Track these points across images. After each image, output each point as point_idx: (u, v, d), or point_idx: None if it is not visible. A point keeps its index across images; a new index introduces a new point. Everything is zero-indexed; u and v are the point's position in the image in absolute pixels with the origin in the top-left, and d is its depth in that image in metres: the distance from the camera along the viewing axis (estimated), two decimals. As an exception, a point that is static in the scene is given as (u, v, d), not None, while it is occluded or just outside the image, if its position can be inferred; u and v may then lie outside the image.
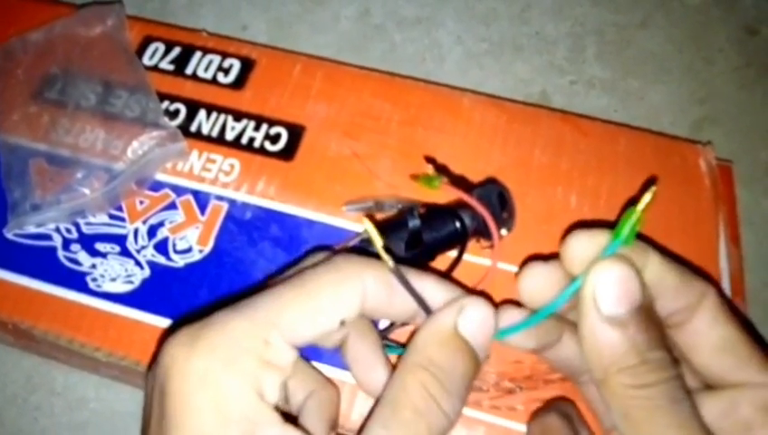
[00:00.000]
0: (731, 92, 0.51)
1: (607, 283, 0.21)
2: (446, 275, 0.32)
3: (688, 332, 0.24)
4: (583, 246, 0.23)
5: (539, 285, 0.24)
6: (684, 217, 0.36)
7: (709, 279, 0.26)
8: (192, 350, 0.20)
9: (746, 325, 0.24)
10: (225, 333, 0.21)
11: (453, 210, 0.32)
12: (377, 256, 0.23)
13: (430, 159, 0.37)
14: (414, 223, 0.31)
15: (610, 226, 0.23)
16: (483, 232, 0.32)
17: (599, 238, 0.23)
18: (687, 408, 0.21)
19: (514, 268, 0.34)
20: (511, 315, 0.24)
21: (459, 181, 0.36)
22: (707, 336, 0.24)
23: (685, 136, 0.43)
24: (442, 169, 0.36)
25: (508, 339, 0.24)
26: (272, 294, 0.22)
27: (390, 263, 0.23)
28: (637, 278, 0.22)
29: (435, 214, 0.32)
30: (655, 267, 0.23)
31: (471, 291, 0.27)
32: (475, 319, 0.23)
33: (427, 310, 0.24)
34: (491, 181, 0.34)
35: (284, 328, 0.21)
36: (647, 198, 0.21)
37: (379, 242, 0.23)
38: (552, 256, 0.24)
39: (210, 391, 0.20)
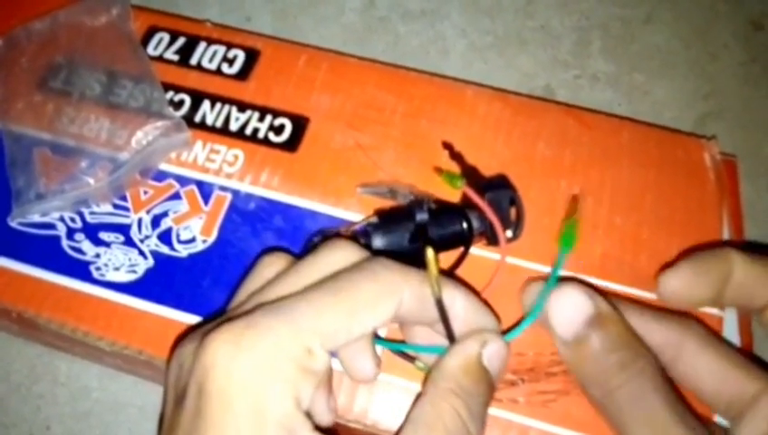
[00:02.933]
0: (736, 88, 0.50)
1: (556, 312, 0.25)
2: (453, 273, 0.33)
3: (684, 366, 0.26)
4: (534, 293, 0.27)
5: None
6: (687, 211, 0.35)
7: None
8: (237, 351, 0.20)
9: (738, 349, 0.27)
10: (269, 338, 0.21)
11: (462, 210, 0.32)
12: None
13: (447, 145, 0.37)
14: (421, 217, 0.32)
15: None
16: (489, 235, 0.33)
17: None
18: (652, 401, 0.23)
19: (517, 261, 0.34)
20: None
21: (472, 173, 0.36)
22: (700, 368, 0.25)
23: (689, 131, 0.43)
24: (458, 157, 0.36)
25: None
26: (311, 300, 0.22)
27: (438, 294, 0.24)
28: (580, 293, 0.25)
29: (444, 211, 0.33)
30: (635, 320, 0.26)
31: (479, 293, 0.27)
32: (495, 352, 0.24)
33: (452, 338, 0.25)
34: (503, 184, 0.34)
35: (325, 337, 0.21)
36: (573, 209, 0.27)
37: (434, 272, 0.23)
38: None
39: (251, 396, 0.20)
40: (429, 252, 0.23)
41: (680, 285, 0.27)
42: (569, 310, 0.24)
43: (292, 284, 0.24)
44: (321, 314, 0.22)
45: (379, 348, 0.27)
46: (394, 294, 0.23)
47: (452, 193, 0.34)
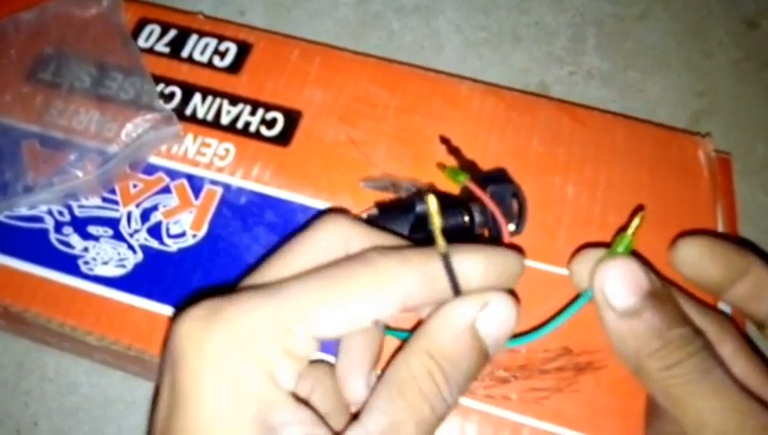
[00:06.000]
0: (729, 86, 0.50)
1: (612, 280, 0.23)
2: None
3: None
4: (586, 261, 0.25)
5: (589, 270, 0.25)
6: (682, 208, 0.35)
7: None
8: (210, 325, 0.20)
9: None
10: (247, 314, 0.20)
11: (464, 203, 0.32)
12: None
13: (445, 140, 0.36)
14: (421, 207, 0.31)
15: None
16: (491, 227, 0.33)
17: (598, 253, 0.25)
18: (719, 374, 0.23)
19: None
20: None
21: (470, 167, 0.35)
22: (736, 370, 0.24)
23: (683, 128, 0.43)
24: (455, 151, 0.36)
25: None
26: (302, 284, 0.21)
27: (445, 248, 0.22)
28: (638, 267, 0.24)
29: (446, 204, 0.32)
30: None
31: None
32: (496, 318, 0.22)
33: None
34: (504, 178, 0.34)
35: (310, 321, 0.20)
36: (636, 222, 0.24)
37: (438, 223, 0.22)
38: (603, 245, 0.27)
39: (225, 372, 0.19)
40: (431, 200, 0.21)
41: (696, 255, 0.27)
42: (625, 281, 0.23)
43: (282, 264, 0.23)
44: (310, 299, 0.21)
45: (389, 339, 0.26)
46: (393, 282, 0.21)
47: (453, 189, 0.34)
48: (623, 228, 0.25)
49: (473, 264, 0.23)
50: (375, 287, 0.21)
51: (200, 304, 0.21)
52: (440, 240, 0.22)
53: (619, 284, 0.23)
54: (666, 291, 0.24)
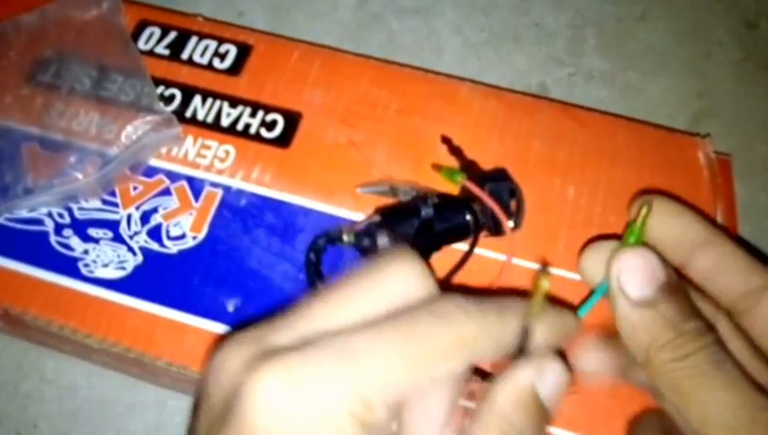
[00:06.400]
0: (730, 87, 0.50)
1: (629, 270, 0.24)
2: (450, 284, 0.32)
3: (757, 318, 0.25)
4: (599, 254, 0.25)
5: (599, 263, 0.25)
6: (682, 209, 0.35)
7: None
8: (289, 392, 0.19)
9: None
10: (326, 382, 0.19)
11: (466, 203, 0.32)
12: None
13: (446, 140, 0.36)
14: (427, 212, 0.32)
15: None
16: (490, 226, 0.33)
17: (611, 246, 0.25)
18: (730, 367, 0.23)
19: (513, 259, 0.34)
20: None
21: (471, 167, 0.36)
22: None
23: (683, 129, 0.43)
24: (457, 151, 0.36)
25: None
26: (376, 340, 0.20)
27: (533, 317, 0.22)
28: (656, 259, 0.24)
29: (447, 204, 0.32)
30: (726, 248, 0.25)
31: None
32: (552, 381, 0.22)
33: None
34: (502, 176, 0.34)
35: (385, 387, 0.19)
36: (644, 212, 0.24)
37: (538, 306, 0.22)
38: (611, 237, 0.27)
39: None
40: (544, 283, 0.21)
41: (658, 211, 0.26)
42: (642, 271, 0.24)
43: (349, 306, 0.21)
44: (384, 361, 0.19)
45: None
46: (470, 344, 0.20)
47: (451, 189, 0.34)
48: (633, 219, 0.25)
49: (539, 327, 0.23)
50: (452, 348, 0.20)
51: (274, 362, 0.19)
52: (536, 308, 0.22)
53: (635, 274, 0.24)
54: (680, 284, 0.24)
